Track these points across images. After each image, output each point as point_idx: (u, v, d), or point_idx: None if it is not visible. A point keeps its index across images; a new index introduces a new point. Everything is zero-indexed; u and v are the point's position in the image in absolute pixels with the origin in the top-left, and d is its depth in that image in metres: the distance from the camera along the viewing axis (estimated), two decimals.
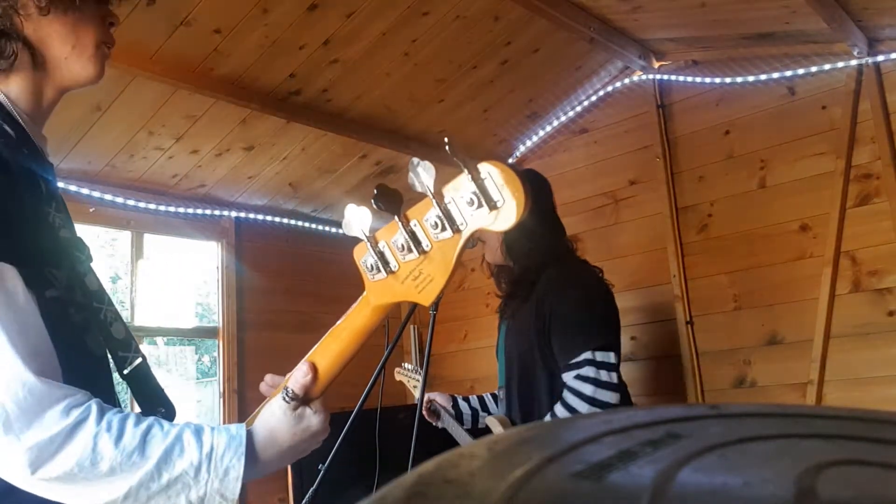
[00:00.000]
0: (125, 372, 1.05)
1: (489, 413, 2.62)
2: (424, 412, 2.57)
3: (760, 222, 3.19)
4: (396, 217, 0.84)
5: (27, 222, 0.93)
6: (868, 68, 2.97)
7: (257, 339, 3.59)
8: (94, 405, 0.87)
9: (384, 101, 3.29)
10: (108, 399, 1.00)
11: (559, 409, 2.17)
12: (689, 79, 3.46)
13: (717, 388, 3.25)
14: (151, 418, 0.91)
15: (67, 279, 0.97)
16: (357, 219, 0.87)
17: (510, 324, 2.45)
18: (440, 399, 2.62)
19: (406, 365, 2.89)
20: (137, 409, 1.03)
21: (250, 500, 3.31)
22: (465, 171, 0.77)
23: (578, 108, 3.80)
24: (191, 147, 3.14)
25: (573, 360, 2.17)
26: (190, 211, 3.48)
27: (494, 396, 2.63)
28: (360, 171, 3.72)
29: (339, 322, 0.96)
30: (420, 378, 2.63)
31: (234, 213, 3.64)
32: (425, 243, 0.84)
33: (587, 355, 2.16)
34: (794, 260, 3.09)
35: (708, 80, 3.40)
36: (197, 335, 4.13)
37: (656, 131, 3.51)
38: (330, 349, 0.96)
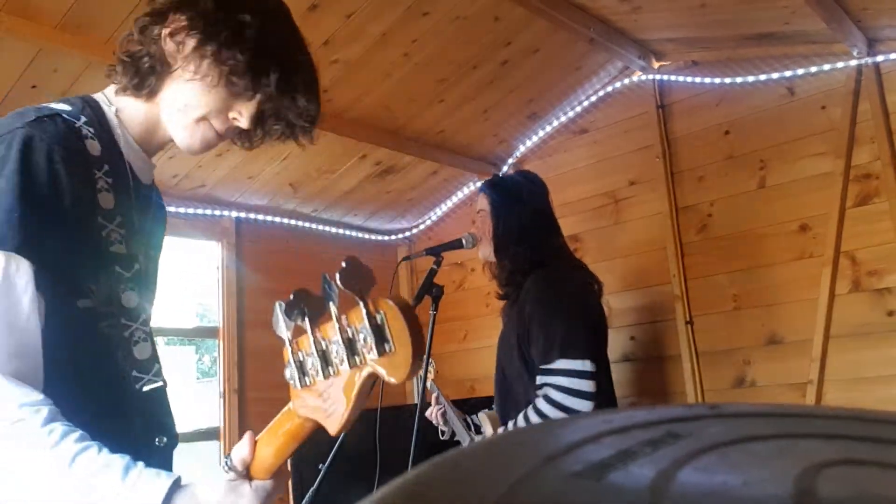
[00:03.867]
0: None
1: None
2: (435, 415, 2.57)
3: (760, 222, 3.19)
4: (309, 331, 0.77)
5: (68, 228, 0.92)
6: (867, 68, 2.97)
7: (257, 339, 3.59)
8: (46, 408, 0.84)
9: (384, 101, 3.29)
10: (127, 414, 0.98)
11: (531, 415, 2.15)
12: (689, 79, 3.46)
13: (716, 388, 3.25)
14: (96, 443, 0.85)
15: (106, 293, 0.96)
16: (282, 321, 0.80)
17: (503, 326, 2.45)
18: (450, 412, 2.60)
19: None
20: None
21: None
22: (361, 305, 0.70)
23: (578, 109, 3.80)
24: None
25: (547, 367, 2.15)
26: (190, 211, 3.48)
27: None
28: (360, 171, 3.72)
29: (276, 418, 0.88)
30: (430, 372, 2.64)
31: (234, 213, 3.64)
32: (332, 368, 0.77)
33: (560, 363, 2.13)
34: (794, 260, 3.09)
35: (708, 80, 3.39)
36: (197, 335, 4.13)
37: (656, 131, 3.51)
38: (271, 440, 0.88)
